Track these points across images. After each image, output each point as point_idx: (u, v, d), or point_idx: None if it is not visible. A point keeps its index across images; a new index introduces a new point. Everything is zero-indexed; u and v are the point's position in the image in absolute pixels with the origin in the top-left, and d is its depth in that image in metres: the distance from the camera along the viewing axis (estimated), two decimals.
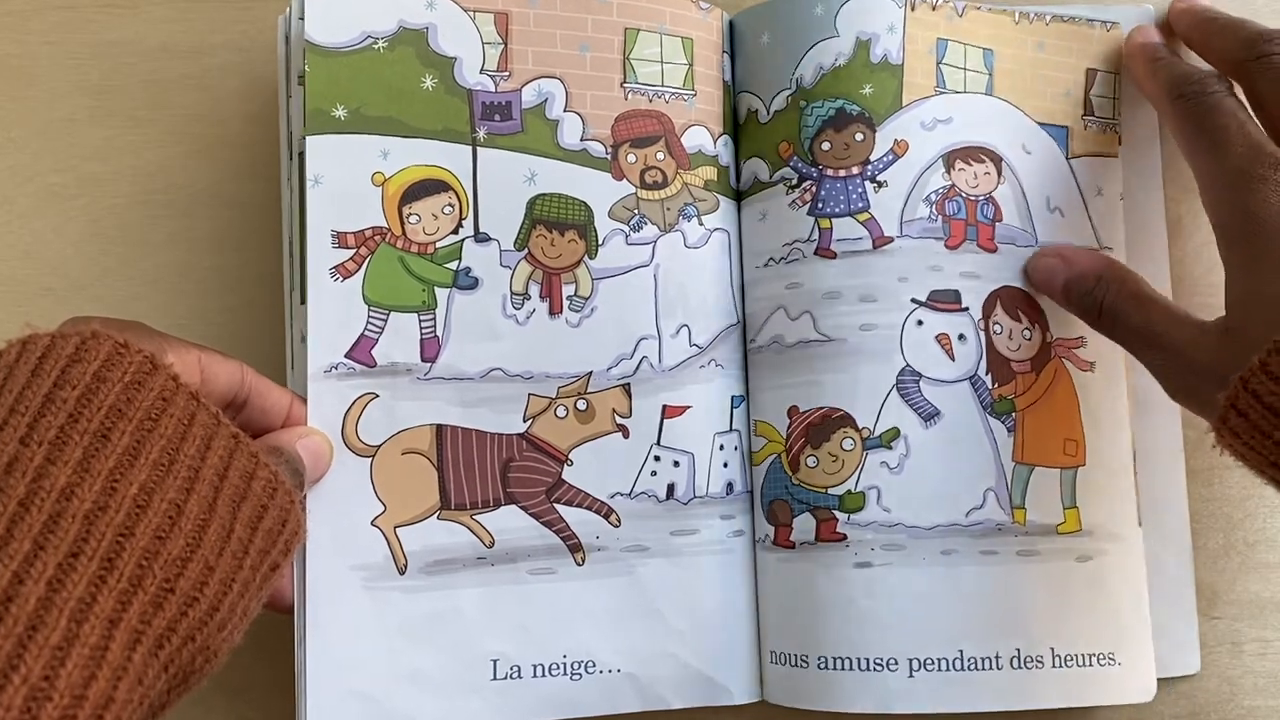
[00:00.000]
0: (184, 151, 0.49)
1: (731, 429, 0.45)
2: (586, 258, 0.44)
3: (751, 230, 0.47)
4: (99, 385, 0.31)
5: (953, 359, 0.45)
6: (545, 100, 0.45)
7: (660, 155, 0.45)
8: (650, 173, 0.45)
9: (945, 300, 0.45)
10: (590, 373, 0.44)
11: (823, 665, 0.43)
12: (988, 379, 0.45)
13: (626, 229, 0.45)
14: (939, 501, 0.44)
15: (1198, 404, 0.40)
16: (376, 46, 0.43)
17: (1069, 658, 0.44)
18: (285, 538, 0.36)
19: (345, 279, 0.42)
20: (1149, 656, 0.45)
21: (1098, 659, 0.45)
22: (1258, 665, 0.49)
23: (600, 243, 0.45)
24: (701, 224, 0.46)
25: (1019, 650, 0.44)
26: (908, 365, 0.44)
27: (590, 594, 0.43)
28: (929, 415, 0.44)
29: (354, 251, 0.42)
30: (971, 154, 0.46)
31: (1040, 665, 0.44)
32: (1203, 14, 0.46)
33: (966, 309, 0.45)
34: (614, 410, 0.44)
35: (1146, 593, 0.45)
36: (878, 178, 0.45)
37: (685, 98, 0.46)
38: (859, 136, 0.45)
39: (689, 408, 0.45)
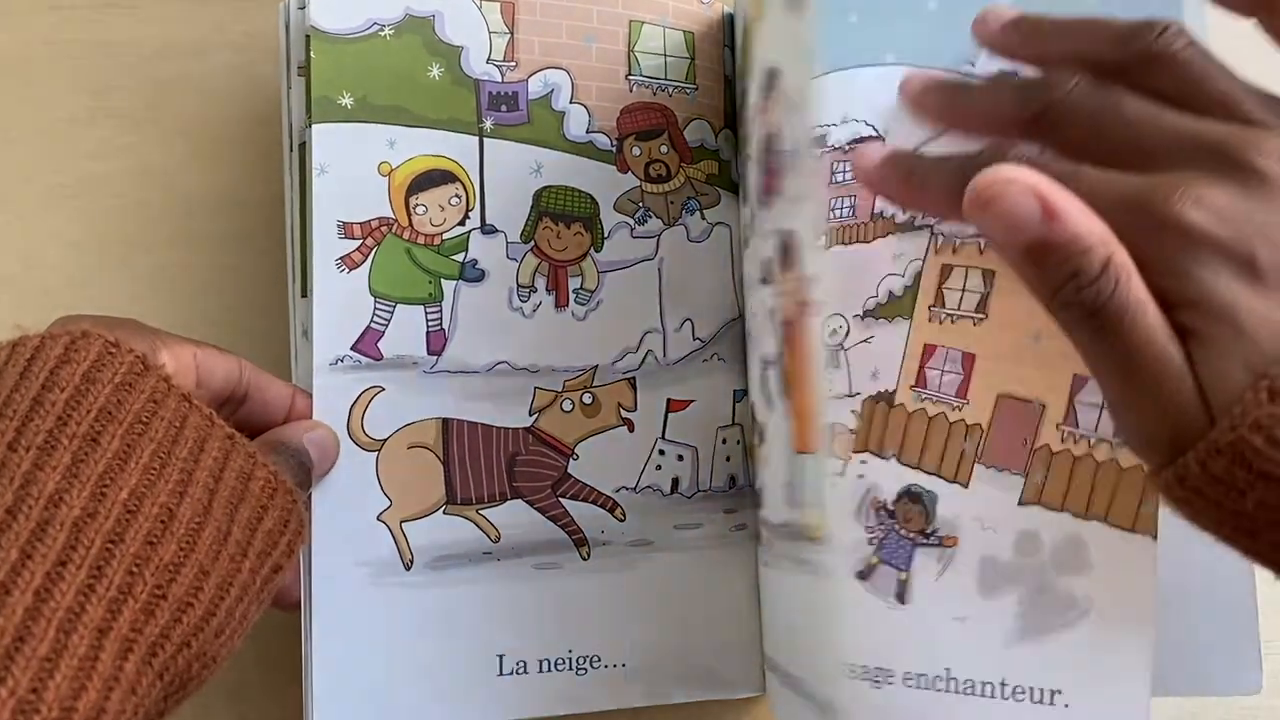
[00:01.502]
0: (184, 151, 0.47)
1: (734, 423, 0.43)
2: (592, 250, 0.42)
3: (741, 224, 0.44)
4: (88, 387, 0.29)
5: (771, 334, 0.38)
6: (551, 91, 0.42)
7: (664, 149, 0.43)
8: (654, 166, 0.43)
9: (767, 271, 0.38)
10: (596, 366, 0.41)
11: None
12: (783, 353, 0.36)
13: (631, 222, 0.42)
14: (783, 493, 0.37)
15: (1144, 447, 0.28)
16: (383, 34, 0.40)
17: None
18: (287, 538, 0.33)
19: (351, 270, 0.39)
20: None
21: None
22: None
23: (606, 235, 0.42)
24: (704, 218, 0.43)
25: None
26: (767, 351, 0.39)
27: (595, 588, 0.40)
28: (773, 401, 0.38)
29: (360, 242, 0.40)
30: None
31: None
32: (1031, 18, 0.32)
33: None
34: (619, 404, 0.41)
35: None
36: (747, 150, 0.41)
37: (687, 91, 0.44)
38: (750, 113, 0.41)
39: (692, 401, 0.42)
